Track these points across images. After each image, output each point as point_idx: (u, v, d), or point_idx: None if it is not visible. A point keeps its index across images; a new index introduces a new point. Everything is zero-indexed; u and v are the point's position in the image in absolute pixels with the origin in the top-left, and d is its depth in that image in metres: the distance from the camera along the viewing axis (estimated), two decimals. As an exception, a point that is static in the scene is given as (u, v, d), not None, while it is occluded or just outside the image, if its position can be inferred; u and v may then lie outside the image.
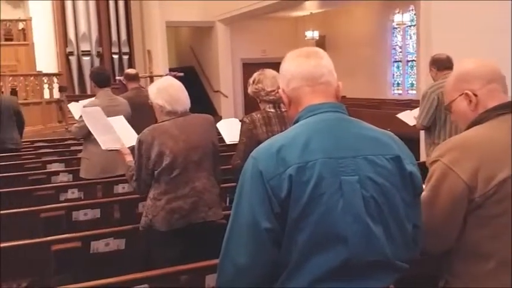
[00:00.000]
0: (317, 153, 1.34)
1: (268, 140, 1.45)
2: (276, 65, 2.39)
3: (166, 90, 2.79)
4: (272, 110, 3.05)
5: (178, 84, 2.89)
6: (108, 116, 3.55)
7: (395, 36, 14.40)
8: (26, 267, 2.91)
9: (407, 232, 1.41)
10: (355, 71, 13.69)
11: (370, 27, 14.40)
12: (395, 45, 14.46)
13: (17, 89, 10.84)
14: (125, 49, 13.79)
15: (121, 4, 13.73)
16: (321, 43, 14.66)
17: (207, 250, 2.51)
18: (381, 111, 11.09)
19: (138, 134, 2.99)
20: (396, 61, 14.52)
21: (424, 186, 1.55)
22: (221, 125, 4.10)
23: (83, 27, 13.23)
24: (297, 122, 1.48)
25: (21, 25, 12.82)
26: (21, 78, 11.19)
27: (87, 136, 4.21)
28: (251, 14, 12.83)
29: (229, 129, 3.95)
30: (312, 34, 15.21)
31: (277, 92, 2.99)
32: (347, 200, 1.32)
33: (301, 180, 1.31)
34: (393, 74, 14.64)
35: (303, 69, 1.48)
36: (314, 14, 14.87)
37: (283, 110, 3.04)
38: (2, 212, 3.60)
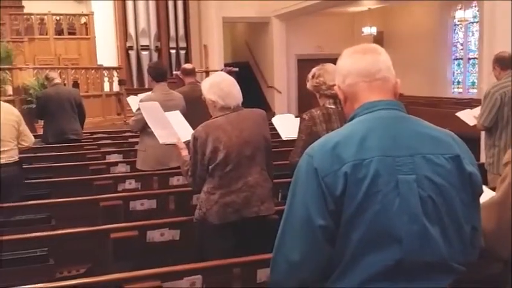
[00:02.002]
0: (373, 151, 1.32)
1: (323, 137, 1.45)
2: (331, 61, 2.36)
3: (218, 86, 2.82)
4: (332, 106, 2.98)
5: (230, 79, 2.92)
6: (163, 110, 3.64)
7: (456, 33, 13.92)
8: (85, 253, 3.02)
9: (465, 234, 1.38)
10: (414, 68, 13.34)
11: (430, 23, 13.98)
12: (456, 42, 13.98)
13: (78, 82, 11.28)
14: (182, 44, 14.05)
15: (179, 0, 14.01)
16: (378, 39, 14.37)
17: (259, 244, 2.53)
18: (440, 109, 10.75)
19: (193, 128, 3.05)
20: (457, 59, 14.03)
21: (484, 187, 1.50)
22: (276, 121, 4.09)
23: (142, 23, 13.60)
24: (352, 119, 1.46)
25: (83, 20, 13.32)
26: (83, 71, 11.64)
27: (143, 129, 4.34)
28: (308, 9, 12.77)
29: (285, 125, 3.94)
30: (370, 30, 14.92)
31: None
32: (403, 199, 1.30)
33: (357, 178, 1.30)
34: (453, 72, 14.16)
35: (359, 65, 1.46)
36: (372, 10, 14.59)
37: None
38: (64, 199, 3.77)
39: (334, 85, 2.89)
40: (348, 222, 1.31)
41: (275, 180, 3.02)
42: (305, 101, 3.33)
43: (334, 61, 1.59)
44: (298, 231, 1.35)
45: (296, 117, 3.98)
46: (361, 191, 1.30)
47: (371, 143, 1.34)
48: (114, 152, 6.02)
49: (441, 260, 1.33)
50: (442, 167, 1.34)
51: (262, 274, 2.39)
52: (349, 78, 1.48)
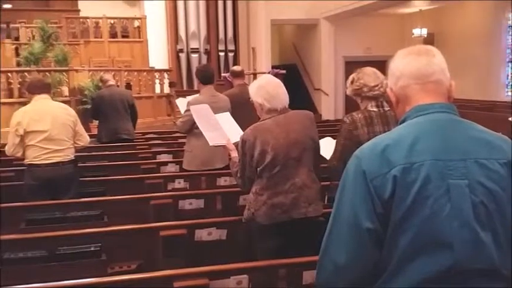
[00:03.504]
0: (424, 155, 1.31)
1: (373, 139, 1.44)
2: (380, 63, 2.35)
3: (264, 88, 2.85)
4: (375, 109, 2.94)
5: (277, 81, 2.94)
6: (212, 112, 3.70)
7: (511, 34, 13.40)
8: (136, 250, 3.12)
9: None
10: (465, 70, 12.93)
11: (483, 24, 13.51)
12: (510, 45, 13.45)
13: (131, 83, 11.59)
14: (231, 47, 14.19)
15: (229, 3, 14.17)
16: (429, 41, 14.01)
17: (306, 246, 2.54)
18: (493, 113, 10.40)
19: (242, 129, 3.09)
20: (511, 61, 13.51)
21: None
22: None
23: (192, 26, 13.84)
24: (403, 121, 1.44)
25: (136, 23, 13.69)
26: (135, 73, 11.95)
27: (190, 130, 4.43)
28: (357, 11, 12.61)
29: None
30: (420, 32, 14.58)
31: (381, 86, 2.91)
32: (454, 204, 1.28)
33: (406, 182, 1.29)
34: (507, 75, 13.63)
35: (413, 67, 1.44)
36: (423, 11, 14.26)
37: (386, 108, 2.95)
38: (117, 197, 3.90)
39: (377, 85, 2.91)
40: (396, 226, 1.30)
41: (322, 183, 3.01)
42: (352, 104, 3.30)
43: (383, 63, 1.58)
44: (345, 233, 1.35)
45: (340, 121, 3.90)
46: (411, 195, 1.29)
47: (422, 147, 1.32)
48: (164, 152, 6.18)
49: (492, 267, 1.30)
50: (496, 172, 1.32)
51: (308, 276, 2.40)
52: (401, 80, 1.46)
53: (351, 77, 3.07)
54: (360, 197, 1.33)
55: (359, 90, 2.98)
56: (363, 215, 1.32)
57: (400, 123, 1.46)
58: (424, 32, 14.65)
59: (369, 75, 2.96)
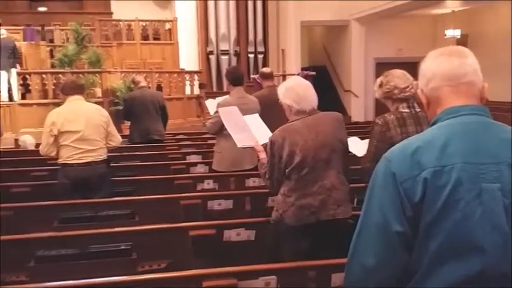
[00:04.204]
0: (456, 158, 1.29)
1: (403, 141, 1.42)
2: (411, 65, 2.32)
3: (293, 90, 2.86)
4: (406, 110, 2.92)
5: (305, 83, 2.94)
6: (241, 113, 3.71)
7: (546, 37, 13.00)
8: (165, 249, 3.15)
9: None
10: (500, 72, 12.61)
11: (517, 26, 13.17)
12: (547, 46, 13.06)
13: (162, 85, 11.74)
14: (260, 48, 14.24)
15: (259, 5, 14.23)
16: (462, 42, 13.74)
17: (335, 248, 2.53)
18: (529, 116, 10.12)
19: (271, 130, 3.09)
20: (546, 63, 13.11)
21: None
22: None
23: (223, 28, 13.95)
24: (434, 124, 1.42)
25: (167, 25, 13.87)
26: (166, 75, 12.12)
27: (219, 131, 4.46)
28: (389, 12, 12.47)
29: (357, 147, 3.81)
30: (453, 33, 14.31)
31: (412, 87, 2.89)
32: (486, 208, 1.26)
33: (437, 185, 1.27)
34: (544, 78, 13.24)
35: (444, 68, 1.42)
36: (456, 12, 14.00)
37: (417, 110, 2.92)
38: (147, 197, 3.96)
39: (407, 87, 2.88)
40: (426, 229, 1.29)
41: (351, 185, 3.00)
42: (382, 106, 3.26)
43: (414, 64, 1.56)
44: (374, 236, 1.34)
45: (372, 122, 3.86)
46: (441, 199, 1.27)
47: (453, 149, 1.30)
48: (193, 153, 6.23)
49: None
50: None
51: (337, 278, 2.38)
52: (433, 82, 1.44)
53: (378, 80, 3.05)
54: (389, 199, 1.32)
55: (390, 93, 2.96)
56: (392, 218, 1.31)
57: (432, 125, 1.44)
58: (457, 33, 14.37)
59: (398, 77, 2.94)
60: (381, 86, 3.00)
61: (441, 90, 1.43)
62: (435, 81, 1.44)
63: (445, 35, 14.41)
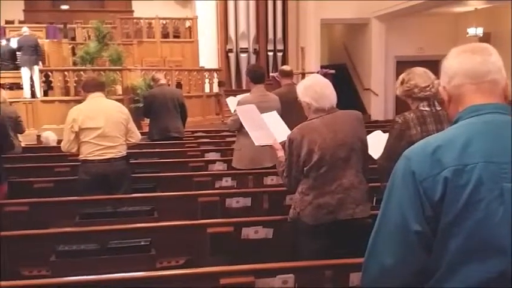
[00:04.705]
0: (477, 157, 1.27)
1: (423, 139, 1.41)
2: (433, 63, 2.29)
3: (312, 88, 2.85)
4: (426, 109, 2.89)
5: (324, 81, 2.93)
6: (258, 112, 3.72)
7: None
8: (184, 246, 3.17)
9: None
10: (524, 71, 12.41)
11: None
12: None
13: (181, 83, 11.80)
14: (280, 46, 14.20)
15: (279, 3, 14.18)
16: (485, 40, 13.51)
17: (353, 247, 2.51)
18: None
19: (290, 128, 3.09)
20: None
21: None
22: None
23: (242, 26, 13.94)
24: (456, 122, 1.40)
25: (187, 23, 13.94)
26: (186, 72, 12.16)
27: (240, 129, 4.47)
28: (410, 10, 12.35)
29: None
30: (475, 31, 14.09)
31: (433, 87, 2.86)
32: (508, 208, 1.24)
33: (458, 184, 1.26)
34: None
35: (467, 66, 1.40)
36: (479, 10, 13.78)
37: (438, 108, 2.89)
38: (167, 194, 3.99)
39: (428, 86, 2.85)
40: (445, 229, 1.27)
41: (370, 184, 2.98)
42: (402, 104, 3.22)
43: (435, 63, 1.55)
44: (392, 235, 1.33)
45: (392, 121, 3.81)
46: (462, 198, 1.25)
47: (474, 148, 1.28)
48: (212, 151, 6.26)
49: None
50: None
51: (355, 278, 2.37)
52: (455, 79, 1.42)
53: (400, 78, 3.03)
54: (409, 198, 1.31)
55: (410, 91, 2.94)
56: (411, 217, 1.30)
57: (453, 124, 1.42)
58: (480, 31, 14.14)
59: (420, 76, 2.91)
60: (402, 83, 2.98)
61: (463, 88, 1.41)
62: (457, 78, 1.42)
63: (467, 33, 14.20)
